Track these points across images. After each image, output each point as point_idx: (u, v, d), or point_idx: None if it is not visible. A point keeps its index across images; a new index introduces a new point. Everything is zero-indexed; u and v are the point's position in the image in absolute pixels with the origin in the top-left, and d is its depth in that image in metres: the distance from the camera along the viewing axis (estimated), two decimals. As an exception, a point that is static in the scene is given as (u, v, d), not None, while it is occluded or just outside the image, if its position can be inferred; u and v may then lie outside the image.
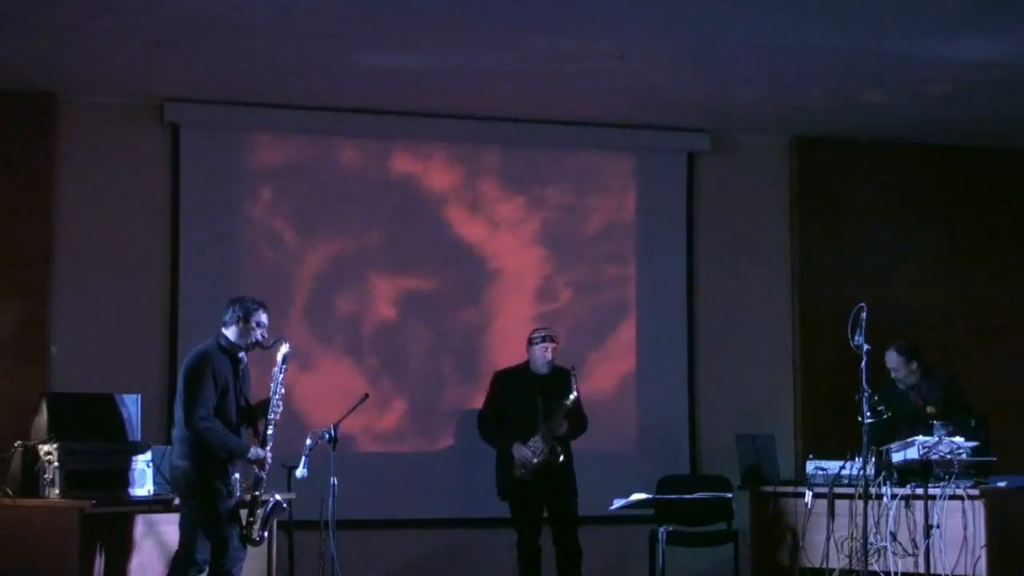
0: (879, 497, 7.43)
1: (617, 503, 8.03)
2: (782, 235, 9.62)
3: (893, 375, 8.15)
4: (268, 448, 6.87)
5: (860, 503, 7.41)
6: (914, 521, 7.36)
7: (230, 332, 6.89)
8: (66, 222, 8.43)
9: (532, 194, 9.23)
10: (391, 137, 9.01)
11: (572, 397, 8.04)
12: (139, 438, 7.43)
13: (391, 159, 9.03)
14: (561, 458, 8.07)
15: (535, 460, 8.05)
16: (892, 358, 8.14)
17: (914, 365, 8.14)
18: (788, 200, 9.65)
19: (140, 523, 7.05)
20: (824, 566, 7.77)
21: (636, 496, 8.04)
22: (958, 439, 7.41)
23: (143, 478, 7.20)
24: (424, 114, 8.90)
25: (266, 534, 6.96)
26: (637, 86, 8.41)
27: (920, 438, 7.42)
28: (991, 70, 8.07)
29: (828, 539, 7.71)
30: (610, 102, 8.77)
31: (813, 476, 8.02)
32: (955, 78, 8.22)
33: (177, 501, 6.92)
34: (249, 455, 6.81)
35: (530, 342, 8.31)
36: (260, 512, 6.86)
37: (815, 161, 9.63)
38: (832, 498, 7.70)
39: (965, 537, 7.16)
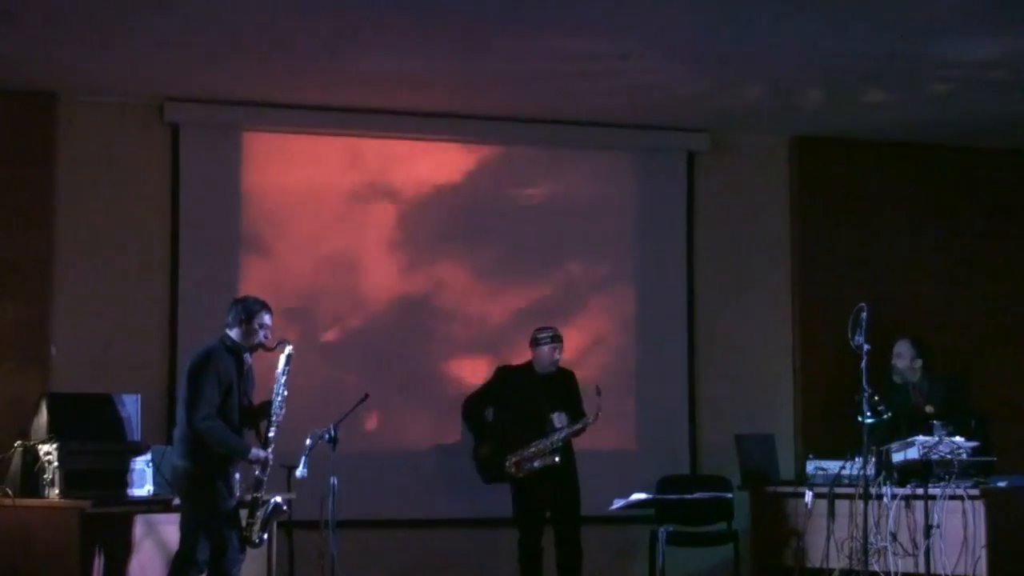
0: (879, 497, 7.43)
1: (617, 503, 8.02)
2: (782, 235, 9.62)
3: (895, 362, 8.15)
4: (269, 449, 6.87)
5: (860, 503, 7.41)
6: (914, 521, 7.36)
7: (233, 333, 6.90)
8: (66, 222, 8.42)
9: (531, 194, 9.23)
10: (391, 137, 9.00)
11: (595, 419, 8.03)
12: (139, 438, 7.44)
13: (391, 159, 9.03)
14: (557, 459, 8.06)
15: (536, 463, 8.05)
16: (904, 347, 8.15)
17: (919, 363, 8.16)
18: (788, 200, 9.65)
19: (140, 523, 7.06)
20: (824, 566, 7.77)
21: (636, 496, 8.04)
22: (958, 439, 7.41)
23: (143, 478, 7.20)
24: (424, 114, 8.90)
25: (266, 536, 6.95)
26: (637, 86, 8.40)
27: (920, 438, 7.42)
28: (991, 70, 8.06)
29: (828, 539, 7.71)
30: (610, 102, 8.76)
31: (813, 476, 8.03)
32: (955, 78, 8.22)
33: (177, 501, 6.93)
34: (250, 456, 6.80)
35: (536, 342, 8.31)
36: (260, 514, 6.85)
37: (815, 161, 9.63)
38: (832, 498, 7.70)
39: (965, 537, 7.16)
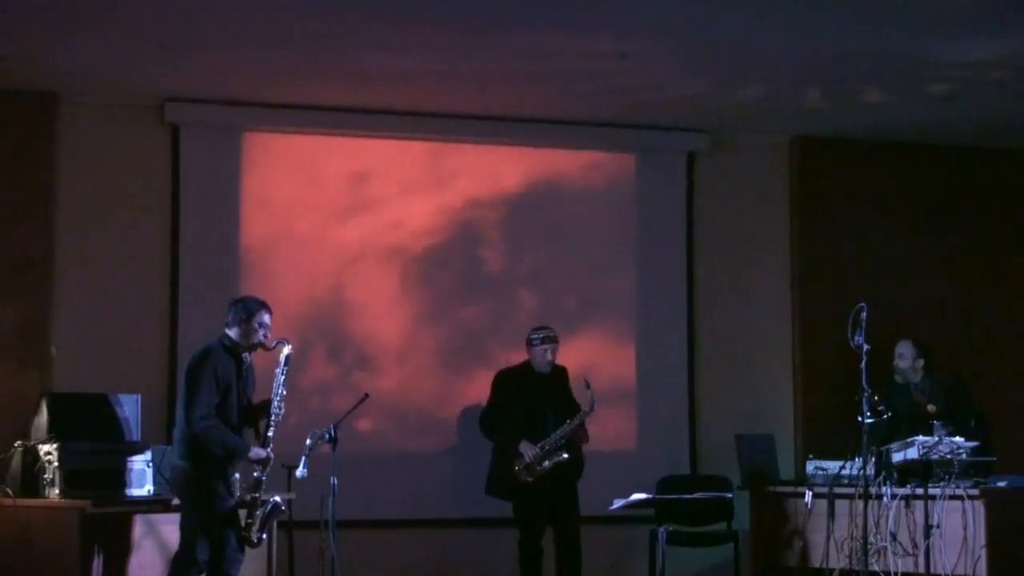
0: (879, 497, 7.43)
1: (617, 503, 8.03)
2: (782, 235, 9.62)
3: (897, 362, 8.15)
4: (269, 448, 6.87)
5: (860, 503, 7.41)
6: (914, 521, 7.36)
7: (233, 332, 6.90)
8: (66, 222, 8.42)
9: (532, 193, 9.23)
10: (392, 137, 9.01)
11: (591, 411, 8.06)
12: (138, 438, 7.44)
13: (391, 158, 9.02)
14: (566, 455, 8.07)
15: (546, 463, 8.04)
16: (905, 347, 8.15)
17: (921, 363, 8.16)
18: (788, 200, 9.65)
19: (139, 523, 7.07)
20: (824, 566, 7.77)
21: (636, 496, 8.04)
22: (958, 439, 7.41)
23: (142, 478, 7.21)
24: (425, 114, 8.90)
25: (264, 536, 6.95)
26: (637, 86, 8.40)
27: (920, 438, 7.42)
28: (991, 70, 8.06)
29: (828, 539, 7.71)
30: (610, 102, 8.76)
31: (813, 476, 8.03)
32: (955, 78, 8.22)
33: (177, 501, 6.92)
34: (250, 455, 6.80)
35: (529, 343, 8.31)
36: (259, 513, 6.85)
37: (815, 161, 9.63)
38: (832, 498, 7.70)
39: (965, 537, 7.16)
